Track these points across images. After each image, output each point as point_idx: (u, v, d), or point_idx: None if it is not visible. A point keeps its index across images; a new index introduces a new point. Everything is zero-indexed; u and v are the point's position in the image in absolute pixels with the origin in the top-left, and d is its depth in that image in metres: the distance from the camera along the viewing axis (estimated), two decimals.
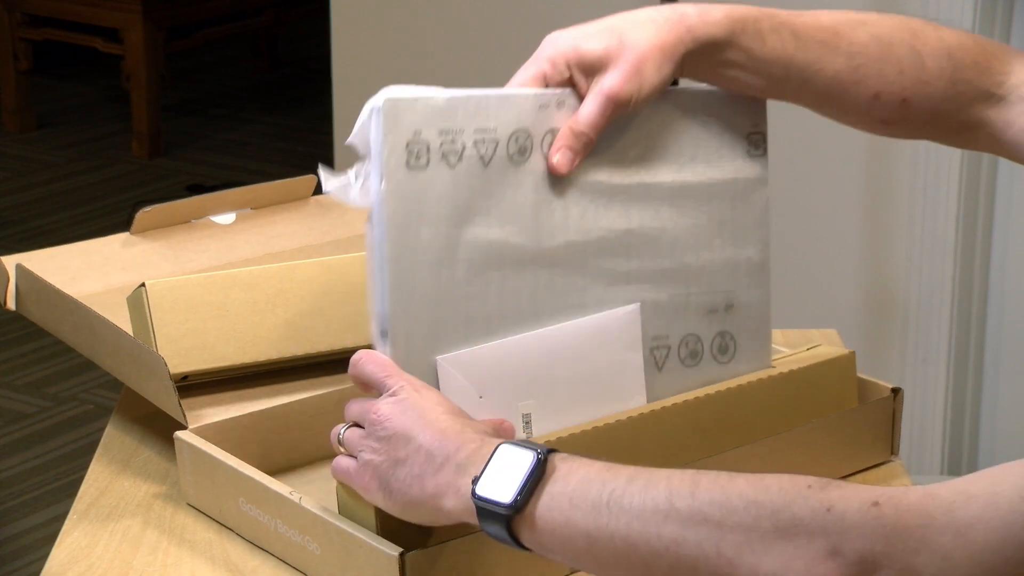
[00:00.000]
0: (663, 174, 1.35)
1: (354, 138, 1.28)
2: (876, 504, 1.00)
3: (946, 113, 1.34)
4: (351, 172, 1.29)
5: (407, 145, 1.25)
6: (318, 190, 1.79)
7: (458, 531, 1.23)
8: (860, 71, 1.32)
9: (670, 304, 1.35)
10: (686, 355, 1.36)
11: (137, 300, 1.43)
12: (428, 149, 1.26)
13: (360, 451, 1.20)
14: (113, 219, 4.34)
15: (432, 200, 1.26)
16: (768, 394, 1.39)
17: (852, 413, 1.45)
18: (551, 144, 1.29)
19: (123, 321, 1.45)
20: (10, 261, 1.58)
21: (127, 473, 1.45)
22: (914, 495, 1.00)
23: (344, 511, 1.24)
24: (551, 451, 1.11)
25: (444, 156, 1.26)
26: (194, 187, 4.54)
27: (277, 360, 1.46)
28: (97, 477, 1.44)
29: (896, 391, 1.47)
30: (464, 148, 1.26)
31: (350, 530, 1.23)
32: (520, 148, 1.29)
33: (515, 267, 1.29)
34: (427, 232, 1.26)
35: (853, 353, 1.46)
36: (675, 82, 1.33)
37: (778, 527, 1.01)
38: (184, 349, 1.42)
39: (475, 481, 1.11)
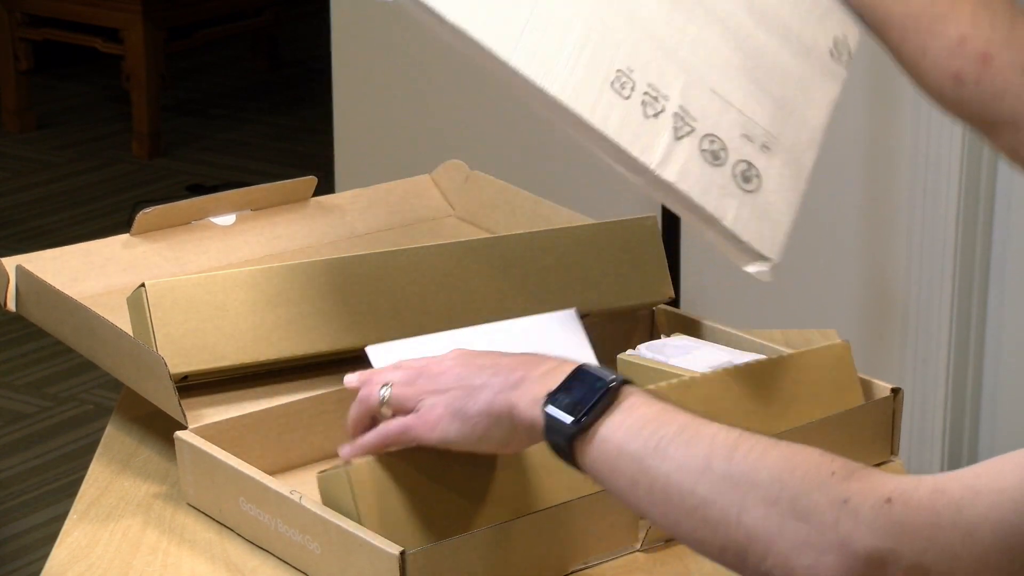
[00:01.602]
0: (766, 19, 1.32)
1: None
2: (889, 501, 1.01)
3: (1017, 88, 1.31)
4: None
5: None
6: (318, 191, 1.79)
7: (456, 529, 1.23)
8: (956, 5, 1.31)
9: (716, 93, 1.28)
10: (707, 150, 1.27)
11: (137, 300, 1.43)
12: None
13: (420, 399, 1.23)
14: (113, 219, 4.34)
15: None
16: (766, 377, 1.40)
17: (852, 413, 1.45)
18: None
19: (124, 322, 1.45)
20: (10, 262, 1.58)
21: (127, 473, 1.45)
22: (925, 490, 1.01)
23: (326, 499, 1.25)
24: (625, 381, 1.14)
25: None
26: (194, 187, 4.53)
27: (277, 360, 1.46)
28: (97, 477, 1.44)
29: (896, 391, 1.47)
30: None
31: (350, 529, 1.23)
32: None
33: None
34: None
35: (848, 343, 1.46)
36: None
37: (796, 510, 1.02)
38: (184, 349, 1.42)
39: (549, 396, 1.15)
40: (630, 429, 1.11)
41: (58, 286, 1.51)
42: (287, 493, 1.28)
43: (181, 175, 4.69)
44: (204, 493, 1.37)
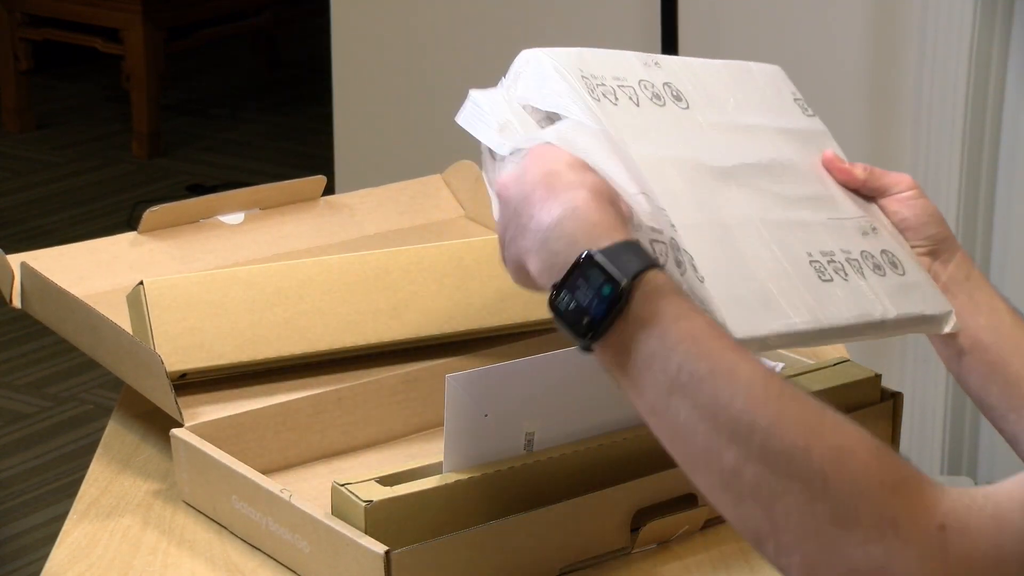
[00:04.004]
0: (758, 118, 1.35)
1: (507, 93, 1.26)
2: (942, 528, 0.94)
3: None
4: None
5: (582, 78, 1.25)
6: (327, 191, 1.79)
7: (443, 529, 1.23)
8: None
9: (832, 225, 1.31)
10: (871, 267, 1.29)
11: (136, 298, 1.43)
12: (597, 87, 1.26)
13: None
14: (113, 219, 4.34)
15: (621, 127, 1.24)
16: None
17: (851, 418, 1.44)
18: (673, 95, 1.31)
19: (127, 320, 1.45)
20: (15, 259, 1.58)
21: (127, 472, 1.45)
22: (983, 516, 0.94)
23: (336, 512, 1.25)
24: (636, 276, 0.99)
25: (605, 96, 1.26)
26: (194, 187, 4.54)
27: (275, 359, 1.46)
28: (97, 477, 1.44)
29: (896, 395, 1.47)
30: (615, 91, 1.27)
31: (337, 528, 1.22)
32: (655, 94, 1.30)
33: (715, 178, 1.28)
34: (633, 149, 1.23)
35: (879, 376, 1.46)
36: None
37: (836, 516, 0.94)
38: (182, 347, 1.42)
39: (554, 292, 1.02)
40: (650, 357, 0.98)
41: (64, 284, 1.51)
42: (278, 491, 1.28)
43: (181, 175, 4.69)
44: (199, 491, 1.37)
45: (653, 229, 1.17)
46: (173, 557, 1.32)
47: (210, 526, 1.36)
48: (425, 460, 1.28)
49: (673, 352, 0.98)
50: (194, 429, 1.38)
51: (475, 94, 1.27)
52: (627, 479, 1.31)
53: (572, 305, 1.00)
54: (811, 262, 1.28)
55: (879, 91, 2.75)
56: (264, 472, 1.33)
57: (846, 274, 1.28)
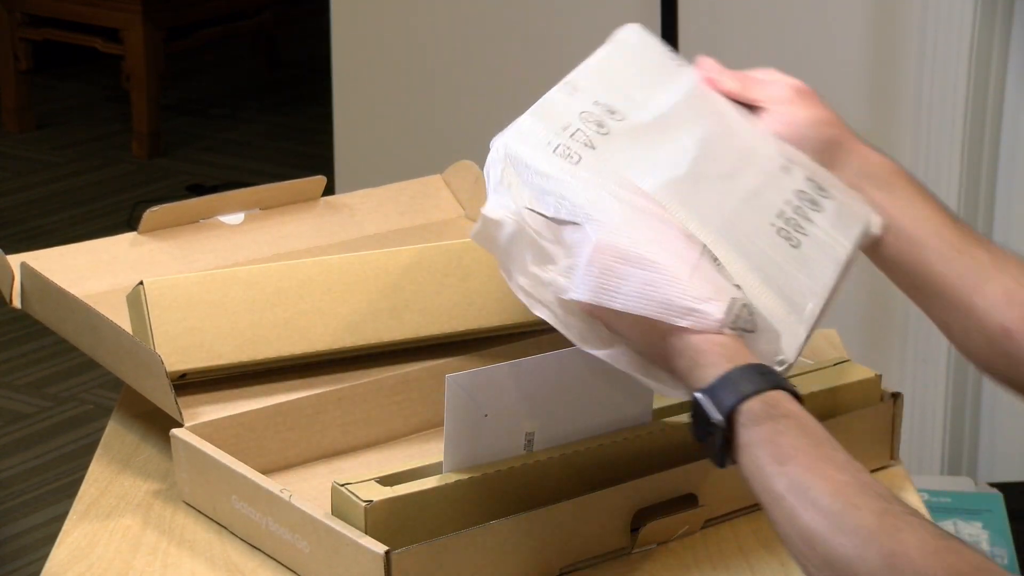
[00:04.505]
0: (666, 96, 1.35)
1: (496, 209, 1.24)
2: None
3: None
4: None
5: (555, 149, 1.25)
6: (328, 191, 1.78)
7: (443, 529, 1.23)
8: (1000, 264, 1.32)
9: (766, 179, 1.32)
10: (809, 205, 1.32)
11: (136, 298, 1.43)
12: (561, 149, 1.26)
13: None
14: (113, 219, 4.34)
15: (611, 169, 1.25)
16: None
17: (851, 418, 1.44)
18: (608, 111, 1.30)
19: (127, 320, 1.45)
20: (15, 260, 1.58)
21: (127, 472, 1.45)
22: None
23: (336, 512, 1.25)
24: (731, 413, 1.12)
25: (567, 155, 1.26)
26: (194, 187, 4.54)
27: (275, 359, 1.46)
28: (97, 477, 1.44)
29: (896, 396, 1.47)
30: (571, 147, 1.26)
31: (337, 528, 1.22)
32: (598, 123, 1.29)
33: (687, 189, 1.28)
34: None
35: (879, 376, 1.46)
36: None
37: None
38: (182, 347, 1.42)
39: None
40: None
41: (64, 284, 1.51)
42: (277, 491, 1.28)
43: (181, 175, 4.70)
44: (199, 491, 1.37)
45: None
46: (173, 557, 1.32)
47: (210, 526, 1.36)
48: (425, 460, 1.28)
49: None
50: (194, 429, 1.38)
51: (487, 216, 1.23)
52: (627, 479, 1.31)
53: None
54: (778, 232, 1.29)
55: (879, 91, 2.75)
56: (264, 472, 1.33)
57: (803, 230, 1.31)
